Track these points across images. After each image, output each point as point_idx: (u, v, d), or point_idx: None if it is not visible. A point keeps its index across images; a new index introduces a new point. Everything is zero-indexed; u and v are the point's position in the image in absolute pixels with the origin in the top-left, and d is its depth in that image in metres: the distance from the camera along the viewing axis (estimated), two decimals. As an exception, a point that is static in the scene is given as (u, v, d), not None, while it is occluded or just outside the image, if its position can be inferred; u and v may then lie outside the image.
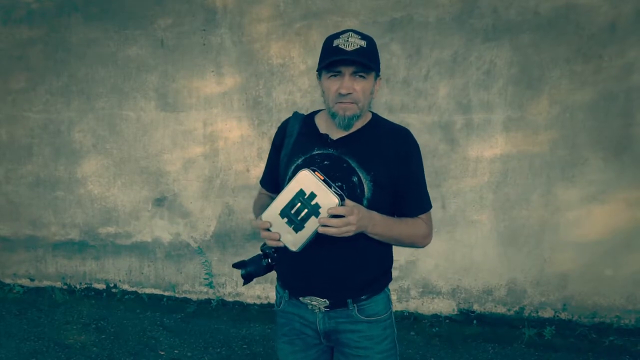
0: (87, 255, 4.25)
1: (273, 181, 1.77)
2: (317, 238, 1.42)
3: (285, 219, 1.41)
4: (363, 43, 1.49)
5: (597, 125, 3.28)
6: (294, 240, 1.42)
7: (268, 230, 1.43)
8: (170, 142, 3.92)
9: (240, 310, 3.95)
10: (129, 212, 4.10)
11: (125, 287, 4.21)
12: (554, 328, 3.44)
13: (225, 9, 3.66)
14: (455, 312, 3.67)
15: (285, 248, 1.44)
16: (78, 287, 4.31)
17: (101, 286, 4.27)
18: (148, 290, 4.18)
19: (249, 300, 4.00)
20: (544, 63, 3.28)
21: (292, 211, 1.40)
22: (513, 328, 3.52)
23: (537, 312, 3.53)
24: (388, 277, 1.71)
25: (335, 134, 1.60)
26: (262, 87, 3.71)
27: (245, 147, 3.80)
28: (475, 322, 3.61)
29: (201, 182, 3.92)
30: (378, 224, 1.50)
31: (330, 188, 1.39)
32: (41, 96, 4.09)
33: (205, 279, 4.00)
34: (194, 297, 4.10)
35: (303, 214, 1.39)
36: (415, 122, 3.48)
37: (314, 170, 1.40)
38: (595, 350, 3.27)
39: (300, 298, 1.64)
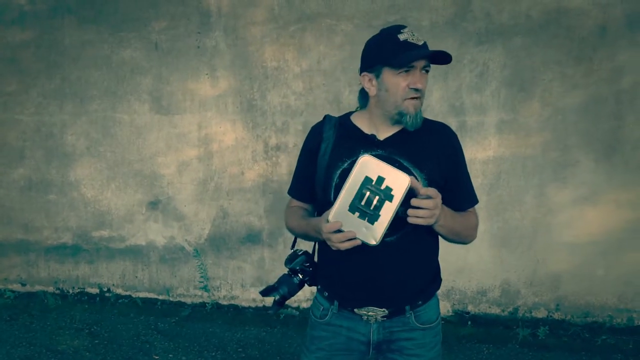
0: (80, 259, 4.21)
1: (308, 190, 1.65)
2: (373, 246, 1.34)
3: (357, 213, 1.31)
4: (423, 38, 1.48)
5: (588, 127, 3.33)
6: (372, 234, 1.31)
7: (340, 231, 1.32)
8: (165, 145, 3.91)
9: (235, 313, 3.94)
10: (123, 215, 4.07)
11: (119, 291, 4.19)
12: (547, 328, 3.47)
13: (219, 12, 3.67)
14: (450, 313, 3.69)
15: (359, 247, 1.34)
16: (71, 291, 4.27)
17: (94, 290, 4.23)
18: (142, 294, 4.15)
19: (244, 304, 3.99)
20: (535, 66, 3.33)
21: (363, 202, 1.30)
22: (507, 328, 3.54)
23: (531, 312, 3.57)
24: (439, 280, 1.70)
25: (382, 134, 1.54)
26: (256, 90, 3.72)
27: (240, 150, 3.80)
28: (469, 322, 3.64)
29: (195, 185, 3.92)
30: (447, 215, 1.45)
31: (397, 169, 1.31)
32: (33, 99, 4.06)
33: (200, 282, 3.99)
34: (188, 300, 4.08)
35: (375, 201, 1.30)
36: (409, 125, 3.50)
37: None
38: (588, 349, 3.30)
39: (355, 309, 1.57)
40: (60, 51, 3.95)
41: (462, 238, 1.61)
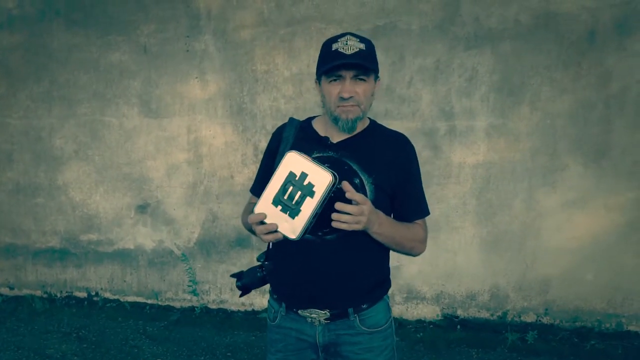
0: (68, 263, 4.19)
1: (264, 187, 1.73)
2: (314, 244, 1.37)
3: (280, 207, 1.34)
4: (362, 46, 1.48)
5: (577, 132, 3.33)
6: (292, 228, 1.34)
7: (263, 223, 1.36)
8: (154, 148, 3.89)
9: (224, 317, 3.92)
10: (111, 219, 4.05)
11: (107, 295, 4.16)
12: (536, 332, 3.46)
13: (209, 16, 3.66)
14: (439, 318, 3.68)
15: (284, 242, 1.36)
16: (59, 295, 4.25)
17: (82, 294, 4.20)
18: (130, 299, 4.13)
19: (233, 308, 3.97)
20: (524, 71, 3.33)
21: (285, 197, 1.33)
22: (496, 333, 3.54)
23: (520, 316, 3.57)
24: (387, 284, 1.69)
25: (335, 138, 1.59)
26: (246, 94, 3.70)
27: (230, 153, 3.79)
28: (459, 327, 3.63)
29: (185, 189, 3.90)
30: (384, 223, 1.46)
31: (321, 166, 1.33)
32: (22, 102, 4.03)
33: (188, 286, 3.97)
34: (177, 304, 4.06)
35: (297, 197, 1.32)
36: (398, 129, 3.45)
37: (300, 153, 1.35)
38: (577, 354, 3.30)
39: (299, 311, 1.60)
40: (48, 54, 3.93)
41: (406, 249, 1.60)
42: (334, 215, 1.33)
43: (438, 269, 3.62)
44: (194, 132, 3.82)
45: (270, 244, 1.71)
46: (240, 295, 1.71)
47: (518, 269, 3.52)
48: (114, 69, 3.86)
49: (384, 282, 1.68)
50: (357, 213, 1.33)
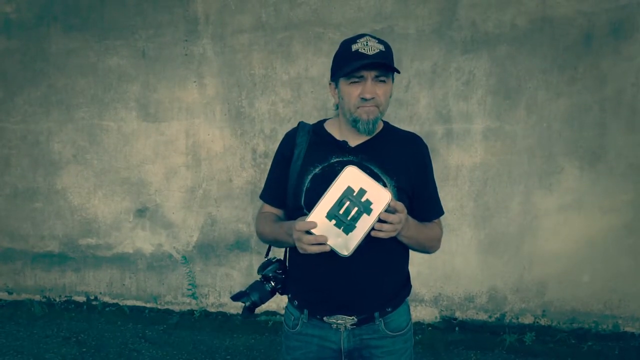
0: (66, 268, 4.19)
1: (281, 195, 1.65)
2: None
3: (334, 221, 1.31)
4: (382, 47, 1.47)
5: (573, 135, 3.36)
6: (345, 243, 1.31)
7: (309, 233, 1.32)
8: (152, 152, 3.90)
9: (223, 320, 3.93)
10: (110, 223, 4.05)
11: (106, 299, 4.16)
12: (534, 334, 3.49)
13: (207, 20, 3.67)
14: (438, 320, 3.70)
15: (329, 254, 1.34)
16: (57, 300, 4.24)
17: (81, 299, 4.21)
18: (129, 302, 4.13)
19: (233, 311, 3.98)
20: (521, 74, 3.36)
21: (341, 211, 1.30)
22: (494, 334, 3.56)
23: (518, 318, 3.59)
24: (409, 287, 1.70)
25: (353, 141, 1.56)
26: (244, 98, 3.72)
27: (228, 157, 3.80)
28: (457, 329, 3.65)
29: (183, 193, 3.91)
30: (412, 226, 1.47)
31: (379, 183, 1.32)
32: (19, 107, 4.03)
33: (188, 289, 3.98)
34: (176, 308, 4.07)
35: (354, 212, 1.30)
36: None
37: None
38: (575, 355, 3.33)
39: (325, 318, 1.57)
40: (46, 59, 3.93)
41: (426, 248, 1.63)
42: (377, 225, 1.32)
43: (436, 272, 3.64)
44: (192, 136, 3.83)
45: (288, 253, 1.70)
46: (247, 317, 1.66)
47: (515, 271, 3.54)
48: (112, 73, 3.86)
49: (406, 284, 1.69)
50: (397, 221, 1.33)
